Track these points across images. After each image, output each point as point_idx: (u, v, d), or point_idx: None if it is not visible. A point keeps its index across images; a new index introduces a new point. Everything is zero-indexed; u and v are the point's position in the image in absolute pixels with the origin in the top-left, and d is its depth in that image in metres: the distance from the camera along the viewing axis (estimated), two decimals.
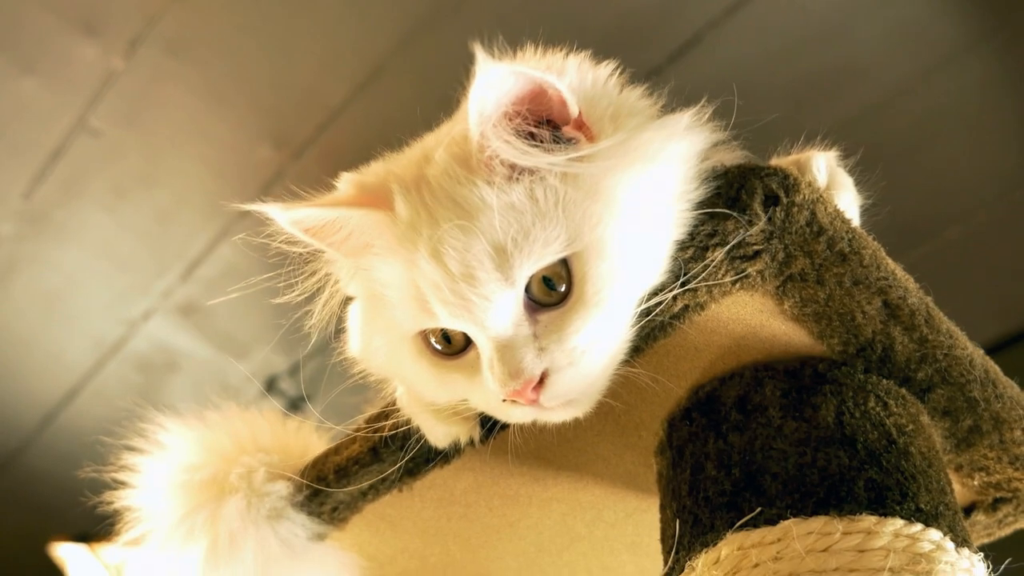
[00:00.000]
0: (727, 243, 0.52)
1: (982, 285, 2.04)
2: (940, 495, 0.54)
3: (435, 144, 0.56)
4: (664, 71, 1.77)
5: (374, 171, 0.58)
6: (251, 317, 2.36)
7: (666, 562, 0.57)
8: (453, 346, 0.56)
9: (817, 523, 0.50)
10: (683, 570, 0.54)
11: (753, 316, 0.57)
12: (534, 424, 0.62)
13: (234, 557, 0.67)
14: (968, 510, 0.67)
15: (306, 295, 0.63)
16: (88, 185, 2.06)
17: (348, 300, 0.62)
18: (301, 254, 0.59)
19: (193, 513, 0.68)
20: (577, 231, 0.51)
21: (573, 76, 0.54)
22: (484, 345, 0.53)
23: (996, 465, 0.63)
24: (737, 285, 0.54)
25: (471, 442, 0.63)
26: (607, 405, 0.63)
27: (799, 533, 0.50)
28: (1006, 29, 1.67)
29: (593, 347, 0.52)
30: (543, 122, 0.52)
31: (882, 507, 0.51)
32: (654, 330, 0.56)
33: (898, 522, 0.50)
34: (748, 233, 0.52)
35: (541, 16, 1.77)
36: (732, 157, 0.58)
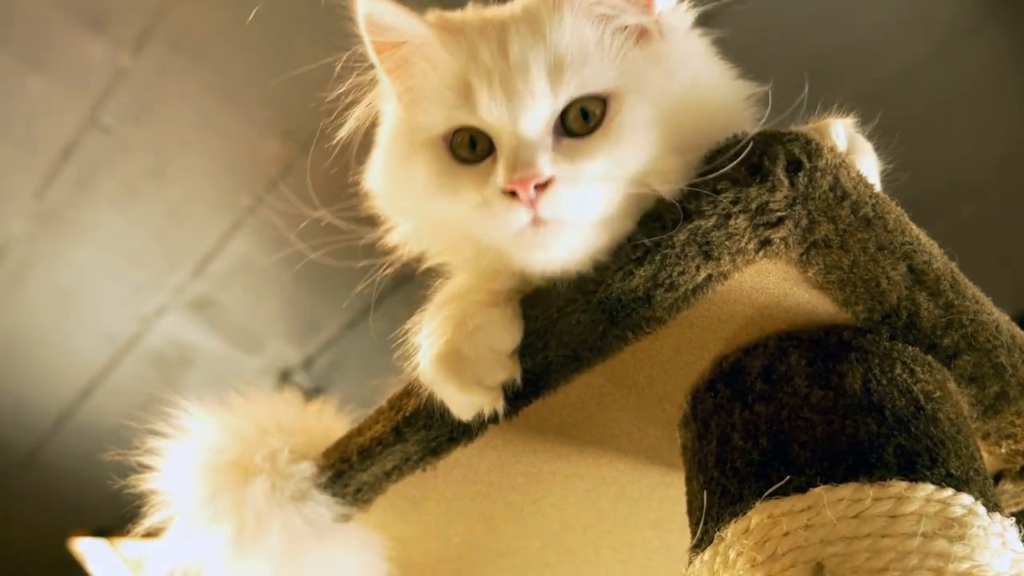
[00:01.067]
0: (750, 210, 0.52)
1: (996, 263, 2.03)
2: (970, 460, 0.54)
3: None
4: None
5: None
6: (264, 311, 2.37)
7: (694, 533, 0.57)
8: (476, 153, 0.58)
9: (847, 490, 0.50)
10: (712, 541, 0.54)
11: (777, 285, 0.56)
12: (556, 398, 0.63)
13: (260, 539, 0.67)
14: (996, 478, 0.67)
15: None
16: (99, 182, 2.07)
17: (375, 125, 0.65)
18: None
19: (218, 496, 0.69)
20: (624, 78, 0.56)
21: None
22: (507, 141, 0.56)
23: None
24: (760, 253, 0.54)
25: (495, 418, 0.63)
26: (630, 378, 0.63)
27: (829, 500, 0.49)
28: (1009, 9, 1.66)
29: (596, 180, 0.55)
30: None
31: (912, 473, 0.51)
32: (677, 301, 0.56)
33: (929, 487, 0.50)
34: (771, 199, 0.51)
35: None
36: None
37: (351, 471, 0.69)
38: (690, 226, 0.53)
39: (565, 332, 0.58)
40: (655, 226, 0.54)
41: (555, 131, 0.56)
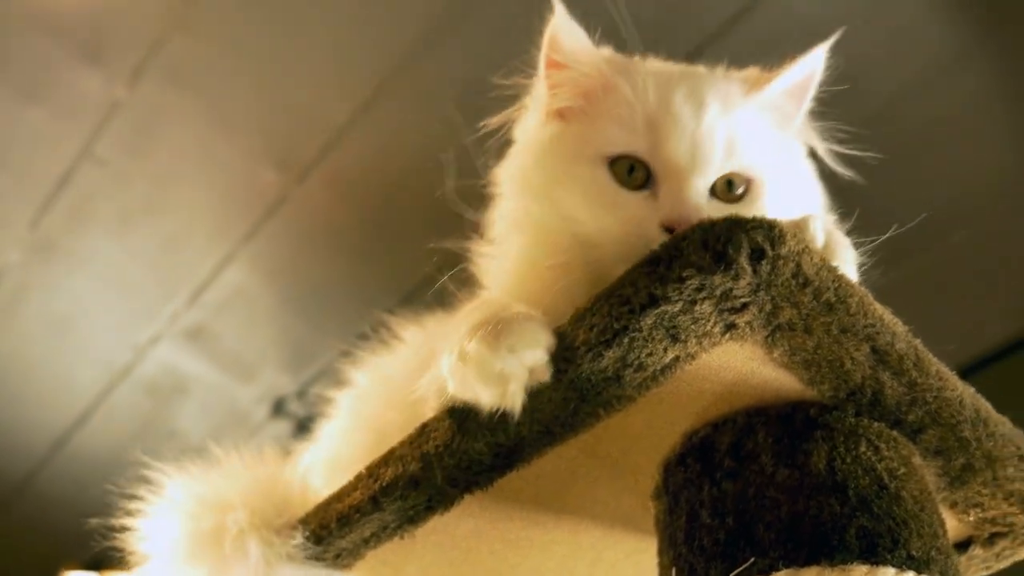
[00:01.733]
0: (715, 296, 0.53)
1: (989, 288, 2.04)
2: (932, 539, 0.55)
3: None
4: None
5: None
6: (258, 340, 2.38)
7: None
8: (632, 179, 0.65)
9: (809, 574, 0.51)
10: None
11: (744, 364, 0.57)
12: (531, 469, 0.64)
13: None
14: (965, 544, 0.68)
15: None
16: (94, 213, 2.08)
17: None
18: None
19: (200, 564, 0.69)
20: (770, 166, 0.66)
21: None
22: (675, 184, 0.63)
23: (991, 501, 0.64)
24: (726, 336, 0.55)
25: (469, 490, 0.64)
26: (603, 451, 0.64)
27: None
28: (997, 36, 1.67)
29: None
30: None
31: (873, 555, 0.52)
32: (646, 380, 0.57)
33: (890, 571, 0.51)
34: (735, 286, 0.52)
35: (539, 32, 1.78)
36: None
37: (330, 537, 0.70)
38: (657, 311, 0.54)
39: (537, 409, 0.59)
40: (623, 310, 0.55)
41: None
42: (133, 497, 0.73)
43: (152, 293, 2.24)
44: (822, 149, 0.72)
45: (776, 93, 0.68)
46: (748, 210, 0.61)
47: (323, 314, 2.31)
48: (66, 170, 1.99)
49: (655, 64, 0.71)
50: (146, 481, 0.74)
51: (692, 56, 1.74)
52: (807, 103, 0.71)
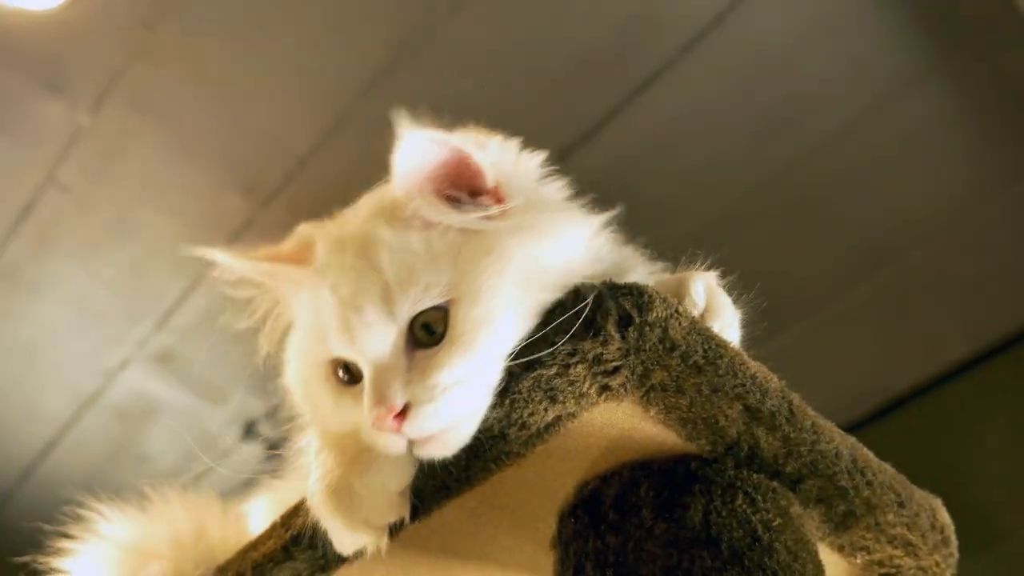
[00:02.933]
0: (587, 360, 0.55)
1: (948, 305, 2.08)
2: None
3: (368, 199, 0.65)
4: (623, 109, 1.80)
5: (323, 224, 0.66)
6: (227, 363, 2.38)
7: None
8: (352, 376, 0.61)
9: None
10: None
11: (624, 420, 0.60)
12: (433, 519, 0.66)
13: None
14: None
15: (256, 326, 0.71)
16: (60, 239, 2.09)
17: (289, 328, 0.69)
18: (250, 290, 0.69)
19: None
20: (459, 280, 0.58)
21: (495, 152, 0.62)
22: (365, 371, 0.59)
23: (875, 545, 0.66)
24: (602, 396, 0.57)
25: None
26: (501, 501, 0.66)
27: None
28: (951, 61, 1.71)
29: (455, 387, 0.57)
30: (461, 184, 0.60)
31: None
32: (531, 437, 0.59)
33: None
34: (605, 351, 0.55)
35: (501, 62, 1.81)
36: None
37: None
38: (533, 374, 0.56)
39: (430, 466, 0.61)
40: (503, 374, 0.57)
41: (408, 346, 0.58)
42: (66, 536, 0.75)
43: (120, 318, 2.25)
44: (482, 224, 0.60)
45: (412, 195, 0.59)
46: (456, 339, 0.57)
47: None
48: (30, 197, 1.99)
49: (331, 233, 0.64)
50: (81, 521, 0.76)
51: (646, 84, 1.77)
52: (487, 172, 0.60)
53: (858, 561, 0.68)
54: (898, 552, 0.66)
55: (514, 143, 0.65)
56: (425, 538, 0.68)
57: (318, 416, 0.66)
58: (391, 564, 0.70)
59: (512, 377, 0.57)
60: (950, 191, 1.95)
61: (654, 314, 0.55)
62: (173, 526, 0.78)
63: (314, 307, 0.62)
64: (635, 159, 1.91)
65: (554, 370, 0.56)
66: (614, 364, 0.55)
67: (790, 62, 1.76)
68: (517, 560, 0.71)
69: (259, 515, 0.81)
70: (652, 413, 0.58)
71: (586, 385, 0.56)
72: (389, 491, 0.60)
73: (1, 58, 1.79)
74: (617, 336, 0.54)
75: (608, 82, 1.78)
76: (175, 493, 0.82)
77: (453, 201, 0.60)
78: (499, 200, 0.61)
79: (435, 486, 0.63)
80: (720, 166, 2.01)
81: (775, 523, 0.59)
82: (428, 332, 0.58)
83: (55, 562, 0.75)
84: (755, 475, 0.61)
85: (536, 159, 0.66)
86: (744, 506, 0.59)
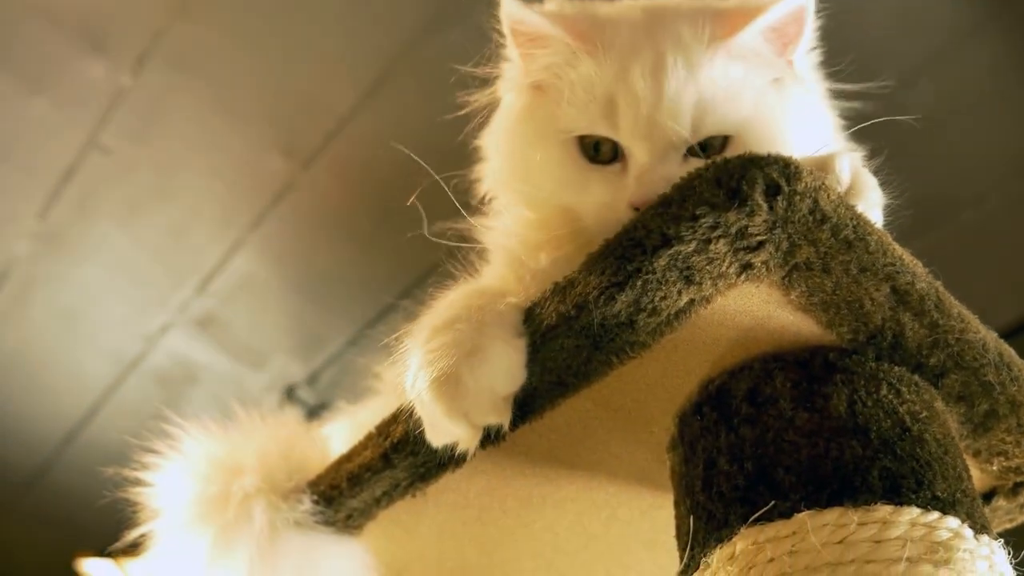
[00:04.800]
0: (729, 234, 0.52)
1: (999, 267, 2.02)
2: (957, 482, 0.53)
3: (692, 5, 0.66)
4: None
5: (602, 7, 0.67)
6: (268, 327, 2.37)
7: (681, 559, 0.56)
8: (601, 155, 0.64)
9: (832, 515, 0.49)
10: (698, 567, 0.54)
11: (760, 307, 0.56)
12: (543, 422, 0.63)
13: (258, 565, 0.67)
14: (989, 495, 0.67)
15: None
16: (101, 202, 2.08)
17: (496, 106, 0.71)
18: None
19: (204, 527, 0.69)
20: (751, 123, 0.62)
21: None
22: (640, 160, 0.61)
23: (1015, 449, 0.62)
24: (742, 276, 0.53)
25: (481, 444, 0.63)
26: (617, 402, 0.63)
27: (814, 526, 0.49)
28: (1011, 9, 1.65)
29: None
30: (776, 41, 0.64)
31: (897, 496, 0.50)
32: (660, 325, 0.56)
33: (914, 511, 0.50)
34: (751, 223, 0.51)
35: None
36: None
37: (341, 498, 0.69)
38: (670, 251, 0.52)
39: (549, 358, 0.58)
40: (636, 251, 0.54)
41: (686, 152, 0.62)
42: (151, 451, 0.73)
43: (161, 282, 2.24)
44: (818, 89, 0.68)
45: (755, 35, 0.63)
46: None
47: (332, 300, 2.30)
48: (72, 160, 1.98)
49: (620, 11, 0.66)
50: (166, 436, 0.74)
51: None
52: (802, 40, 0.65)
53: (994, 468, 0.64)
54: None
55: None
56: (532, 445, 0.65)
57: (531, 178, 0.67)
58: (493, 474, 0.68)
59: (645, 254, 0.53)
60: (1007, 150, 1.89)
61: (803, 184, 0.51)
62: (260, 442, 0.75)
63: (595, 84, 0.63)
64: None
65: (693, 246, 0.52)
66: (758, 238, 0.52)
67: (844, 16, 1.72)
68: (627, 469, 0.68)
69: (337, 439, 0.79)
70: (793, 296, 0.55)
71: (726, 264, 0.53)
72: (496, 391, 0.58)
73: (42, 17, 1.77)
74: (764, 206, 0.51)
75: None
76: (259, 413, 0.79)
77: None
78: (791, 67, 0.65)
79: (551, 382, 0.60)
80: None
81: (922, 415, 0.55)
82: (705, 148, 0.62)
83: (142, 476, 0.73)
84: (897, 367, 0.57)
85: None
86: (890, 396, 0.55)
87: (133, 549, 0.77)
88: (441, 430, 0.59)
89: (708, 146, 0.61)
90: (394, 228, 2.09)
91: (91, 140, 1.95)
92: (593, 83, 0.63)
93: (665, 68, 0.61)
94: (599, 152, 0.64)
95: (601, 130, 0.63)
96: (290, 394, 2.52)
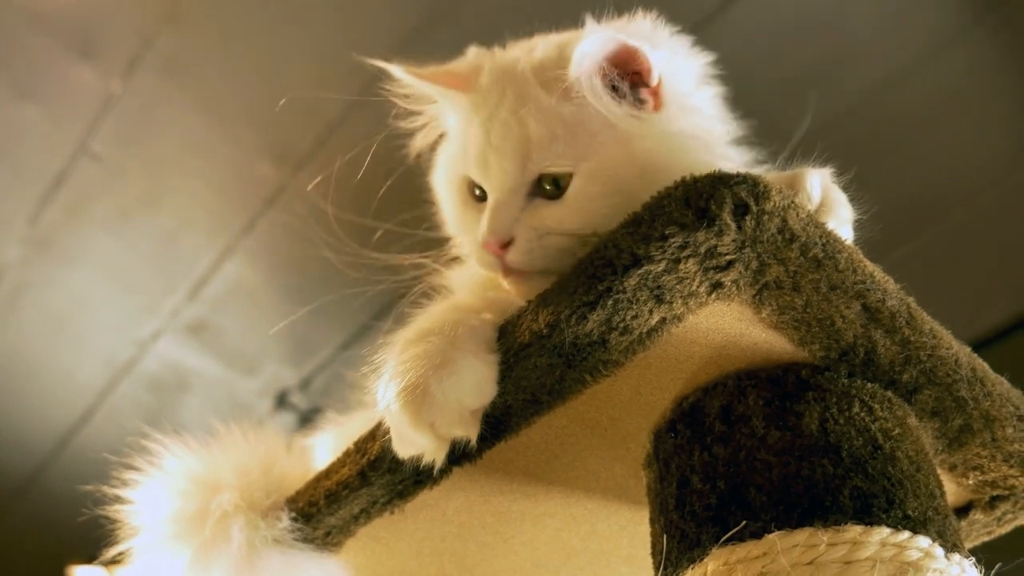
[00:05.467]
0: (699, 254, 0.51)
1: (991, 266, 2.03)
2: (928, 499, 0.53)
3: (540, 52, 0.69)
4: None
5: (492, 53, 0.72)
6: (260, 333, 2.37)
7: None
8: (480, 195, 0.69)
9: (802, 535, 0.49)
10: None
11: (732, 325, 0.56)
12: (519, 439, 0.63)
13: None
14: (966, 509, 0.67)
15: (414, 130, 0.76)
16: (92, 208, 2.07)
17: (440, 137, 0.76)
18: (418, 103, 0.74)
19: (184, 545, 0.69)
20: (590, 158, 0.63)
21: (664, 53, 0.66)
22: (489, 200, 0.66)
23: (990, 463, 0.62)
24: (712, 295, 0.53)
25: (458, 462, 0.63)
26: (592, 419, 0.63)
27: (784, 547, 0.49)
28: (995, 13, 1.65)
29: (554, 239, 0.64)
30: (626, 74, 0.64)
31: (868, 516, 0.50)
32: (632, 344, 0.56)
33: (884, 531, 0.50)
34: (719, 243, 0.51)
35: (536, 18, 1.77)
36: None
37: (319, 515, 0.69)
38: (640, 271, 0.52)
39: (523, 376, 0.58)
40: (606, 271, 0.54)
41: (531, 192, 0.65)
42: (131, 468, 0.73)
43: (152, 288, 2.24)
44: (695, 118, 0.66)
45: (584, 75, 0.62)
46: (569, 203, 0.63)
47: (324, 305, 2.30)
48: (63, 166, 1.98)
49: (492, 59, 0.70)
50: (146, 453, 0.74)
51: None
52: (649, 73, 0.63)
53: (970, 481, 0.64)
54: (1013, 471, 0.63)
55: (686, 40, 0.70)
56: (509, 461, 0.65)
57: (450, 221, 0.74)
58: (471, 491, 0.68)
59: (616, 274, 0.53)
60: (993, 149, 1.89)
61: (771, 203, 0.51)
62: (240, 458, 0.75)
63: (465, 129, 0.69)
64: None
65: (662, 266, 0.52)
66: (728, 258, 0.52)
67: (831, 16, 1.71)
68: (604, 484, 0.68)
69: (324, 449, 0.79)
70: (764, 314, 0.54)
71: (696, 283, 0.53)
72: (464, 404, 0.58)
73: (32, 24, 1.76)
74: (733, 225, 0.51)
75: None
76: (239, 429, 0.79)
77: (616, 87, 0.64)
78: (656, 98, 0.64)
79: (525, 400, 0.60)
80: (758, 123, 1.97)
81: (895, 432, 0.55)
82: (553, 186, 0.64)
83: (122, 493, 0.73)
84: (870, 384, 0.57)
85: (703, 59, 0.70)
86: (862, 414, 0.55)
87: (124, 559, 0.77)
88: (408, 441, 0.59)
89: (551, 182, 0.64)
90: (385, 232, 2.10)
91: (81, 146, 1.94)
92: (460, 130, 0.69)
93: (497, 111, 0.66)
94: (479, 193, 0.69)
95: (470, 173, 0.68)
96: (282, 400, 2.51)
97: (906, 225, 1.93)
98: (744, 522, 0.51)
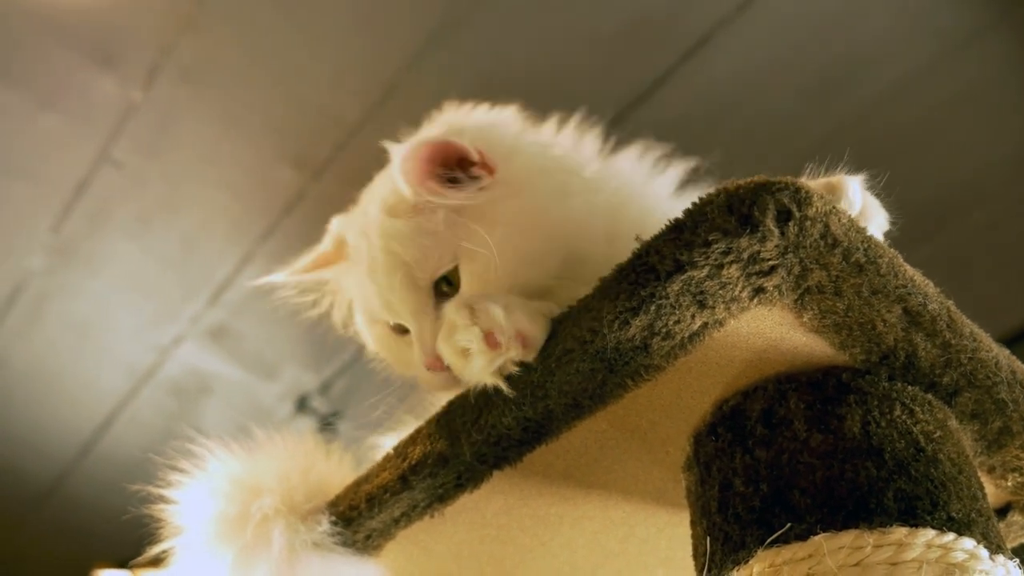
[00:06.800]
0: (741, 259, 0.52)
1: (1009, 268, 2.02)
2: (972, 502, 0.54)
3: (379, 189, 0.74)
4: (677, 70, 1.77)
5: (349, 216, 0.78)
6: (280, 338, 2.39)
7: None
8: (401, 328, 0.73)
9: (847, 537, 0.50)
10: None
11: (773, 329, 0.57)
12: (559, 443, 0.63)
13: None
14: (1004, 511, 0.67)
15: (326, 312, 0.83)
16: (113, 216, 2.09)
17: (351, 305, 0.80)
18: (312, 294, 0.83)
19: (225, 548, 0.70)
20: (462, 245, 0.68)
21: (472, 129, 0.71)
22: (411, 330, 0.71)
23: None
24: (755, 300, 0.54)
25: (498, 466, 0.64)
26: (632, 423, 0.63)
27: (830, 548, 0.50)
28: (1011, 13, 1.65)
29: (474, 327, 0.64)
30: (453, 165, 0.69)
31: (913, 518, 0.51)
32: (674, 348, 0.56)
33: (930, 532, 0.50)
34: (762, 249, 0.52)
35: (550, 26, 1.78)
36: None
37: (360, 518, 0.70)
38: (683, 276, 0.53)
39: (565, 381, 0.59)
40: (649, 277, 0.54)
41: (438, 299, 0.69)
42: (173, 467, 0.74)
43: (173, 294, 2.26)
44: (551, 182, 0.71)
45: (415, 189, 0.68)
46: (468, 286, 0.67)
47: None
48: (84, 175, 2.00)
49: (351, 232, 0.76)
50: (190, 455, 0.75)
51: (700, 44, 1.72)
52: (470, 158, 0.69)
53: (1009, 483, 0.64)
54: None
55: (484, 108, 0.76)
56: (549, 464, 0.66)
57: (394, 363, 0.77)
58: (510, 494, 0.68)
59: (659, 280, 0.54)
60: (1013, 150, 1.89)
61: (814, 209, 0.52)
62: (280, 463, 0.76)
63: (360, 288, 0.74)
64: (688, 121, 1.87)
65: (705, 271, 0.53)
66: (770, 263, 0.52)
67: (846, 19, 1.72)
68: (643, 488, 0.68)
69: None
70: (805, 319, 0.55)
71: (738, 288, 0.53)
72: (516, 323, 0.61)
73: (52, 34, 1.79)
74: (776, 231, 0.51)
75: (661, 44, 1.75)
76: (280, 434, 0.80)
77: (452, 179, 0.69)
78: (487, 167, 0.69)
79: (566, 404, 0.60)
80: (774, 127, 1.96)
81: (936, 435, 0.56)
82: (449, 284, 0.69)
83: (164, 493, 0.74)
84: (910, 387, 0.58)
85: (508, 111, 0.75)
86: (903, 417, 0.56)
87: (152, 562, 0.78)
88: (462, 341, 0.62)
89: (448, 282, 0.69)
90: None
91: (103, 154, 1.96)
92: (358, 290, 0.74)
93: (373, 260, 0.71)
94: (402, 327, 0.73)
95: (383, 318, 0.73)
96: (302, 404, 2.53)
97: (923, 227, 1.92)
98: (789, 524, 0.52)
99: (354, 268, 0.74)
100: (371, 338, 0.77)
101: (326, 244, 0.80)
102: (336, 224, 0.79)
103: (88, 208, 2.07)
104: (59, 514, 2.70)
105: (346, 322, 0.81)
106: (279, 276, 0.80)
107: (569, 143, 0.76)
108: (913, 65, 1.74)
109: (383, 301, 0.71)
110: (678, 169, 0.77)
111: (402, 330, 0.73)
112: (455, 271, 0.69)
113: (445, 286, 0.69)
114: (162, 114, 1.91)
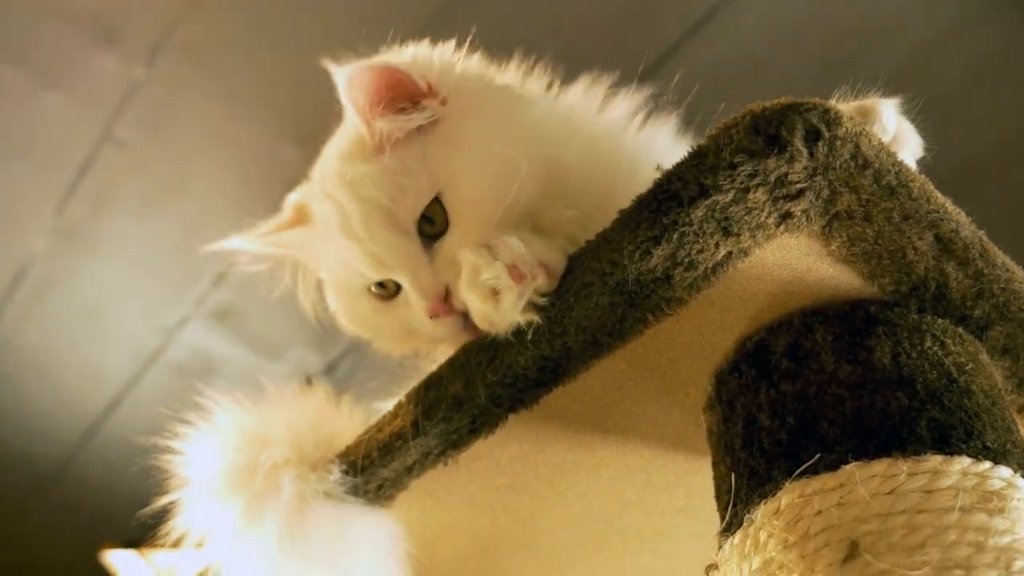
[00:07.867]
0: (768, 182, 0.50)
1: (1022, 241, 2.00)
2: (1006, 433, 0.52)
3: (337, 142, 0.71)
4: (684, 44, 1.75)
5: (305, 186, 0.74)
6: (285, 318, 2.37)
7: (723, 517, 0.55)
8: (388, 290, 0.69)
9: (880, 466, 0.48)
10: (741, 524, 0.53)
11: (799, 260, 0.55)
12: (577, 385, 0.62)
13: (289, 538, 0.67)
14: None
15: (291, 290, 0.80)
16: (117, 197, 2.08)
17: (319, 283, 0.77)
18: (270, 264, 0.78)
19: (233, 498, 0.68)
20: (438, 174, 0.65)
21: (411, 56, 0.68)
22: (403, 282, 0.67)
23: None
24: (781, 227, 0.52)
25: (514, 409, 0.62)
26: (652, 362, 0.62)
27: (862, 477, 0.48)
28: None
29: (476, 259, 0.61)
30: (403, 99, 0.66)
31: (947, 446, 0.49)
32: (697, 280, 0.55)
33: (965, 460, 0.48)
34: (790, 170, 0.50)
35: (557, 1, 1.76)
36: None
37: (372, 467, 0.68)
38: (707, 202, 0.51)
39: (583, 317, 0.57)
40: (672, 204, 0.53)
41: (425, 241, 0.66)
42: (183, 422, 0.73)
43: (178, 276, 2.24)
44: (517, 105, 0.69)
45: (374, 125, 0.65)
46: (459, 217, 0.65)
47: None
48: (88, 154, 1.98)
49: (312, 196, 0.72)
50: (198, 408, 0.74)
51: (709, 15, 1.70)
52: (418, 87, 0.66)
53: None
54: None
55: (423, 44, 0.71)
56: (565, 408, 0.64)
57: (380, 339, 0.74)
58: (526, 440, 0.67)
59: (682, 206, 0.52)
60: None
61: (843, 129, 0.50)
62: (290, 414, 0.75)
63: (333, 253, 0.69)
64: (697, 95, 1.85)
65: (731, 196, 0.51)
66: (798, 186, 0.50)
67: None
68: (662, 433, 0.67)
69: None
70: (833, 247, 0.53)
71: (765, 213, 0.51)
72: (537, 254, 0.60)
73: (56, 13, 1.77)
74: (805, 152, 0.49)
75: (671, 15, 1.73)
76: (289, 388, 0.79)
77: (402, 113, 0.66)
78: (436, 96, 0.66)
79: (585, 341, 0.59)
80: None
81: (968, 366, 0.54)
82: (431, 223, 0.66)
83: (173, 445, 0.72)
84: (940, 320, 0.56)
85: (447, 47, 0.71)
86: (934, 348, 0.54)
87: (157, 542, 0.77)
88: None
89: (429, 220, 0.66)
90: None
91: (106, 133, 1.95)
92: (329, 256, 0.70)
93: (346, 214, 0.66)
94: (385, 287, 0.69)
95: (363, 280, 0.69)
96: (308, 384, 2.52)
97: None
98: (819, 455, 0.50)
99: (324, 239, 0.70)
100: (351, 316, 0.73)
101: (285, 214, 0.75)
102: (292, 197, 0.75)
103: (92, 189, 2.06)
104: (66, 496, 2.70)
105: (315, 306, 0.78)
106: (236, 242, 0.76)
107: (518, 78, 0.73)
108: (930, 36, 1.71)
109: (369, 257, 0.66)
110: (628, 100, 0.75)
111: (389, 294, 0.69)
112: (436, 207, 0.65)
113: (427, 227, 0.66)
114: (165, 93, 1.89)
